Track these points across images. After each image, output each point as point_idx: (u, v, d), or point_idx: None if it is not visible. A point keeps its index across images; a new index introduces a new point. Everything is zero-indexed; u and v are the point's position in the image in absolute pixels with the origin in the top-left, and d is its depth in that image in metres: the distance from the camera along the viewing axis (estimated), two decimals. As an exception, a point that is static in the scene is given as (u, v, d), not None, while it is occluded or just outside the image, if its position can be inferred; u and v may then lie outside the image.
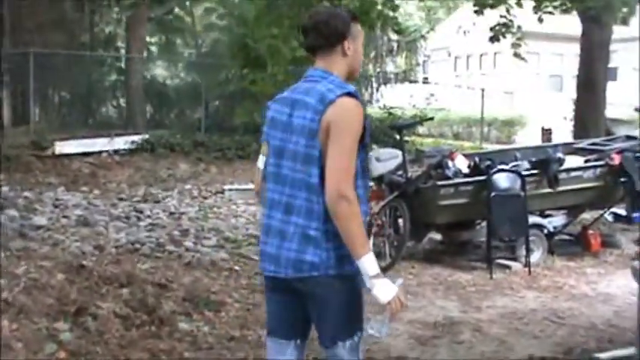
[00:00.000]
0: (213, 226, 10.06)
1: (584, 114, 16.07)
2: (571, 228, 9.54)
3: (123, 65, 22.15)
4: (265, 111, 3.37)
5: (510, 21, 14.56)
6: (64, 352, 4.82)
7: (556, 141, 17.87)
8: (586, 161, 9.39)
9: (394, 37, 24.65)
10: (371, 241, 6.64)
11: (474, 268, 8.46)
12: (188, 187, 14.03)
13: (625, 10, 14.27)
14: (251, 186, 14.11)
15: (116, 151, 16.12)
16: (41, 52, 17.37)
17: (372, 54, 26.42)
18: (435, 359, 5.50)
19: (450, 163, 8.88)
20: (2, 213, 9.29)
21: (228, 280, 7.22)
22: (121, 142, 16.34)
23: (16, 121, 17.79)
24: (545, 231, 8.98)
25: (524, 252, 8.43)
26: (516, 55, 14.76)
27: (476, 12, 14.46)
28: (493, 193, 8.25)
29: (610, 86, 16.71)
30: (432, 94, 25.20)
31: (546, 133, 22.37)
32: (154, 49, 25.47)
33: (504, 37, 14.73)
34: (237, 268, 7.74)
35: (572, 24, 18.57)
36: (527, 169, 8.83)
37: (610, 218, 10.11)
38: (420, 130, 23.33)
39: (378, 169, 8.71)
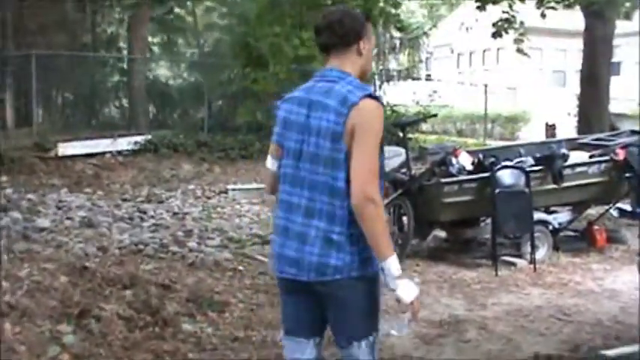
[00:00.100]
0: (217, 226, 10.04)
1: (587, 109, 16.02)
2: (576, 224, 9.51)
3: (125, 66, 22.15)
4: (274, 110, 3.35)
5: (513, 17, 14.55)
6: (68, 355, 4.80)
7: (560, 136, 17.83)
8: (590, 157, 9.34)
9: (397, 34, 24.57)
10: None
11: (478, 266, 8.42)
12: (191, 187, 14.00)
13: (628, 4, 14.22)
14: (255, 185, 14.14)
15: (119, 152, 16.11)
16: (43, 53, 17.37)
17: (375, 51, 26.36)
18: (441, 358, 5.47)
19: (454, 160, 8.83)
20: (6, 215, 9.27)
21: (232, 281, 7.19)
22: (124, 143, 16.33)
23: (19, 122, 17.78)
24: (551, 227, 8.94)
25: (529, 249, 8.40)
26: (519, 50, 14.74)
27: (478, 8, 14.46)
28: (497, 190, 8.21)
29: (613, 81, 16.66)
30: (434, 91, 25.11)
31: (550, 129, 22.33)
32: (156, 49, 25.46)
33: (507, 32, 14.72)
34: (241, 268, 7.71)
35: (574, 19, 18.52)
36: (532, 166, 8.78)
37: (615, 214, 10.08)
38: (424, 127, 23.30)
39: (381, 167, 8.66)
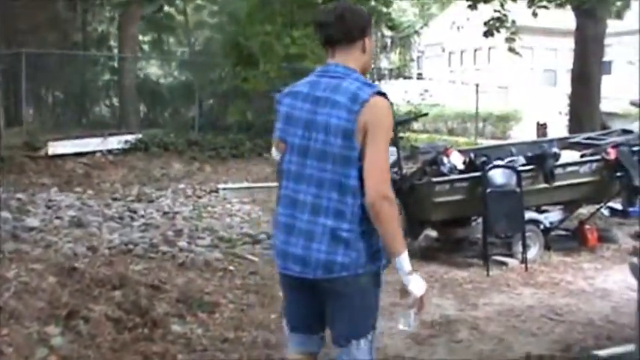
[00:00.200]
0: (208, 226, 10.00)
1: (579, 108, 16.04)
2: (567, 223, 9.50)
3: (116, 64, 22.07)
4: (275, 104, 3.33)
5: (504, 15, 14.54)
6: (56, 357, 4.74)
7: (551, 135, 17.83)
8: (582, 156, 9.33)
9: (388, 33, 24.57)
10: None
11: (470, 265, 8.40)
12: (182, 186, 13.95)
13: (619, 3, 14.21)
14: (246, 184, 14.10)
15: (110, 151, 16.05)
16: (33, 52, 17.28)
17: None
18: (433, 359, 5.44)
19: (445, 160, 8.81)
20: (-5, 215, 9.22)
21: (223, 281, 7.14)
22: (115, 142, 16.27)
23: (9, 121, 17.68)
24: (542, 226, 8.93)
25: (520, 248, 8.38)
26: (511, 49, 14.75)
27: (470, 7, 14.46)
28: (489, 189, 8.19)
29: (604, 80, 16.67)
30: (426, 90, 25.09)
31: (541, 128, 22.33)
32: (146, 47, 25.38)
33: (498, 31, 14.73)
34: (231, 268, 7.66)
35: (565, 18, 18.52)
36: (523, 165, 8.77)
37: (606, 213, 10.09)
38: (415, 125, 23.29)
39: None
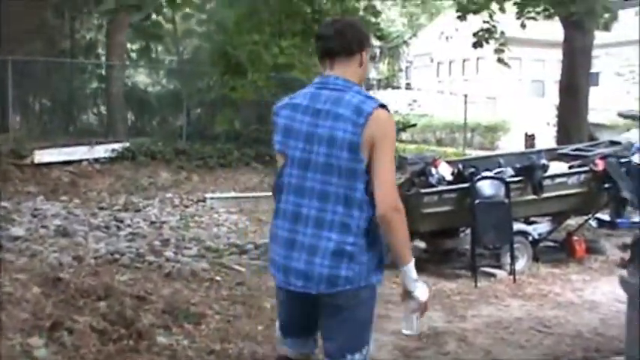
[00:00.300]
0: (195, 236, 9.95)
1: (567, 119, 16.06)
2: (555, 234, 9.51)
3: (104, 72, 21.94)
4: (273, 116, 3.29)
5: (493, 27, 14.56)
6: (39, 369, 4.69)
7: (539, 146, 17.88)
8: (570, 167, 9.34)
9: (376, 43, 24.58)
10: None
11: (458, 277, 8.38)
12: (169, 195, 13.88)
13: (607, 15, 14.26)
14: (233, 194, 14.05)
15: (97, 160, 15.92)
16: (20, 59, 17.18)
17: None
18: (420, 371, 5.42)
19: (434, 171, 8.81)
20: (-21, 224, 9.14)
21: (209, 291, 7.08)
22: (102, 151, 16.15)
23: (-6, 129, 17.55)
24: (530, 238, 8.93)
25: (509, 259, 8.38)
26: (500, 60, 14.76)
27: (459, 18, 14.47)
28: (477, 201, 8.19)
29: (592, 91, 16.70)
30: (414, 100, 25.11)
31: (529, 139, 22.40)
32: (134, 55, 25.28)
33: (487, 42, 14.75)
34: (218, 278, 7.61)
35: (553, 30, 18.59)
36: (512, 176, 8.76)
37: (594, 224, 10.10)
38: (403, 136, 23.26)
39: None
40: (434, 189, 8.53)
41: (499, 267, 8.51)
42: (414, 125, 13.31)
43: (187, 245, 9.21)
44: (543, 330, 6.46)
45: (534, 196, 8.72)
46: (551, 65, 30.60)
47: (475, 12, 14.33)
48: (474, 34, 14.81)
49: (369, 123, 3.03)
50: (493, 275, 8.36)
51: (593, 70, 17.69)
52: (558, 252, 9.35)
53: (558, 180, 8.92)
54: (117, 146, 16.37)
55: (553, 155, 10.09)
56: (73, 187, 14.36)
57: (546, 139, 20.29)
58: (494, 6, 13.94)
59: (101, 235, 9.62)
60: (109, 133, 19.12)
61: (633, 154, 9.35)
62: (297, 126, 3.16)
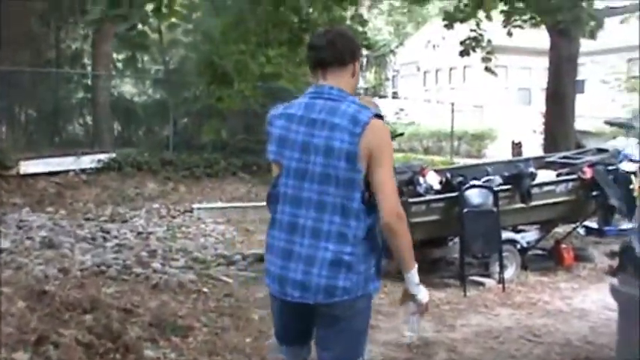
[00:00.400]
0: (182, 247, 9.88)
1: (553, 127, 16.10)
2: (544, 242, 9.50)
3: (90, 82, 21.84)
4: (267, 126, 3.29)
5: (480, 35, 14.58)
6: (24, 384, 4.62)
7: (526, 154, 17.90)
8: (558, 175, 9.34)
9: (363, 52, 24.63)
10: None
11: (447, 286, 8.34)
12: (156, 206, 13.81)
13: (592, 23, 14.31)
14: (220, 204, 13.99)
15: (83, 170, 15.82)
16: (5, 69, 17.08)
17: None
18: (410, 383, 5.37)
19: (422, 180, 8.78)
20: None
21: (196, 303, 7.02)
22: (88, 161, 16.05)
23: (-21, 140, 17.46)
24: (519, 246, 8.92)
25: (497, 268, 8.37)
26: (487, 69, 14.77)
27: (446, 26, 14.47)
28: (465, 209, 8.17)
29: (578, 99, 16.76)
30: (401, 109, 25.22)
31: (516, 147, 22.45)
32: (120, 65, 25.19)
33: (474, 51, 14.75)
34: (205, 290, 7.55)
35: (539, 38, 18.64)
36: (500, 185, 8.75)
37: (582, 232, 10.11)
38: (390, 144, 23.21)
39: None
40: (422, 198, 8.50)
41: (488, 276, 8.49)
42: (402, 134, 13.29)
43: (174, 256, 9.14)
44: (533, 339, 6.44)
45: (523, 205, 8.70)
46: (537, 73, 30.69)
47: (462, 20, 14.34)
48: (461, 43, 14.82)
49: (365, 132, 3.04)
50: (482, 284, 8.34)
51: (579, 77, 17.76)
52: (547, 260, 9.34)
53: (546, 188, 8.92)
54: (103, 157, 16.29)
55: (541, 163, 10.10)
56: (59, 198, 14.27)
57: (533, 147, 20.34)
58: (481, 14, 13.95)
59: (87, 246, 9.55)
60: (95, 144, 19.02)
61: (620, 161, 9.37)
62: (292, 136, 3.16)
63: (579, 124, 18.17)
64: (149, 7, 11.86)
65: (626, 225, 9.47)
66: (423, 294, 3.33)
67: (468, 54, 14.88)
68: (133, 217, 12.66)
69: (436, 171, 9.41)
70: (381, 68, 28.80)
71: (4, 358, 4.79)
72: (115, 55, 23.27)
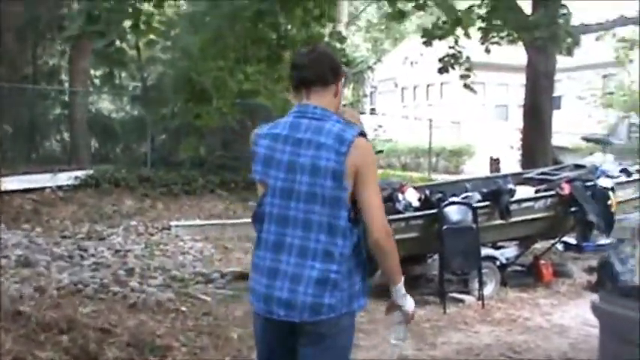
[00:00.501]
0: (160, 265, 9.79)
1: (531, 143, 16.15)
2: (523, 259, 9.51)
3: (67, 98, 21.72)
4: (251, 145, 3.27)
5: (459, 52, 14.65)
6: (-2, 407, 4.54)
7: (504, 170, 17.97)
8: (536, 191, 9.38)
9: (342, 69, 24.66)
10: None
11: (427, 303, 8.32)
12: (134, 223, 13.68)
13: (569, 40, 14.40)
14: (198, 222, 13.90)
15: (60, 187, 15.66)
16: (-19, 86, 16.97)
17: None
18: (391, 402, 5.33)
19: (401, 197, 8.78)
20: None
21: (175, 322, 6.95)
22: (65, 178, 15.91)
23: (-46, 157, 17.26)
24: (498, 263, 8.93)
25: (477, 285, 8.37)
26: (466, 86, 14.83)
27: (424, 43, 14.52)
28: (445, 226, 8.16)
29: (555, 115, 16.85)
30: (379, 126, 25.21)
31: (494, 163, 22.53)
32: (98, 82, 25.09)
33: (453, 68, 14.81)
34: (183, 309, 7.48)
35: (516, 54, 18.75)
36: (479, 201, 8.76)
37: (561, 248, 10.14)
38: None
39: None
40: (401, 215, 8.49)
41: (467, 292, 8.49)
42: (381, 152, 13.34)
43: (152, 274, 9.06)
44: (513, 356, 6.43)
45: (502, 221, 8.72)
46: (514, 89, 30.89)
47: (440, 37, 14.40)
48: (440, 60, 14.89)
49: (351, 151, 3.07)
50: (462, 301, 8.34)
51: (555, 93, 17.87)
52: (526, 276, 9.36)
53: (525, 204, 8.94)
54: (80, 173, 16.15)
55: (519, 179, 10.14)
56: (36, 215, 14.10)
57: (510, 163, 20.43)
58: (460, 31, 14.01)
59: (64, 264, 9.44)
60: (72, 160, 18.89)
61: (598, 177, 9.42)
62: (278, 156, 3.17)
63: (556, 140, 18.27)
64: (127, 23, 11.80)
65: (604, 240, 9.54)
66: (409, 304, 3.40)
67: (447, 71, 14.95)
68: (111, 234, 12.54)
69: (415, 188, 9.41)
70: (358, 85, 28.84)
71: (-22, 381, 4.72)
72: (92, 72, 23.17)
